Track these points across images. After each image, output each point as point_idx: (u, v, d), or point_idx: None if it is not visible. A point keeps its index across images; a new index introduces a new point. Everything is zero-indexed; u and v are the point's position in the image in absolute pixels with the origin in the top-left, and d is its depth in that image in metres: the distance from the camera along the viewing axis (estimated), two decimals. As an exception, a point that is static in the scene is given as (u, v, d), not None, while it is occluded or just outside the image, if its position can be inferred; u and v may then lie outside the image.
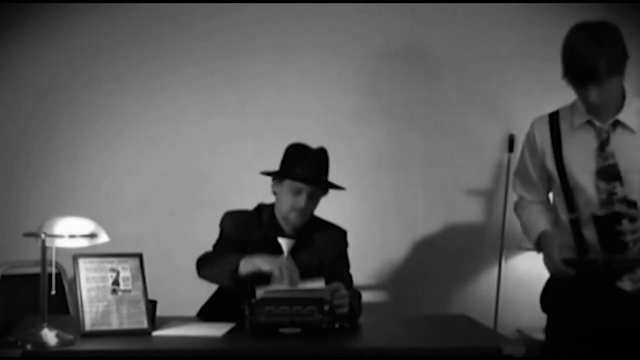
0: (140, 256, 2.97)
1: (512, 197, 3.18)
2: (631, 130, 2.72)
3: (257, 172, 3.18)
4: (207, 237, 3.25)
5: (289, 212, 3.10)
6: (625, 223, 2.61)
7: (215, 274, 3.04)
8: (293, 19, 4.17)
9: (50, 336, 2.71)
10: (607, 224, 2.64)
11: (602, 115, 2.74)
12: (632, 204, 2.67)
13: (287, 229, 3.13)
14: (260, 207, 3.22)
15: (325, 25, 4.18)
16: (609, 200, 2.67)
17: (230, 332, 2.90)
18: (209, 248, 3.24)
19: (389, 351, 2.73)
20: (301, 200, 3.07)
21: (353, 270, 3.27)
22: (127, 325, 2.87)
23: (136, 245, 3.07)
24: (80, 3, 4.07)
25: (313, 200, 3.11)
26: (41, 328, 2.72)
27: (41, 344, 2.69)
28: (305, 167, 3.08)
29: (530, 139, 2.90)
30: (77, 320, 2.86)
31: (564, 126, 2.81)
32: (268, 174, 3.14)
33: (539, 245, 2.88)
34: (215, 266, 3.03)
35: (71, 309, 3.84)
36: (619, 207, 2.65)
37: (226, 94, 4.18)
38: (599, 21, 2.73)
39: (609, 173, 2.71)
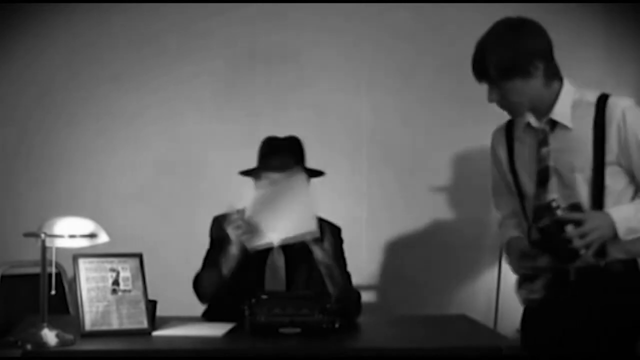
0: (140, 256, 2.97)
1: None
2: (567, 127, 2.55)
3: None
4: (207, 237, 3.25)
5: None
6: (569, 229, 2.40)
7: (207, 288, 3.10)
8: (291, 18, 4.16)
9: (50, 336, 2.71)
10: (552, 233, 2.43)
11: (538, 114, 2.60)
12: (575, 207, 2.47)
13: None
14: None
15: (325, 23, 4.18)
16: (548, 207, 2.47)
17: (230, 332, 2.90)
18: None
19: (388, 351, 2.73)
20: None
21: (353, 270, 3.27)
22: (127, 325, 2.87)
23: (136, 245, 3.07)
24: (79, 3, 4.07)
25: None
26: (41, 328, 2.72)
27: (41, 344, 2.68)
28: (274, 158, 3.10)
29: (492, 150, 2.80)
30: (77, 320, 2.86)
31: (516, 132, 2.69)
32: (244, 173, 3.16)
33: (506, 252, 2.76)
34: (205, 282, 3.10)
35: (71, 309, 3.84)
36: (561, 213, 2.43)
37: (226, 93, 4.18)
38: (513, 19, 2.57)
39: (541, 176, 2.58)
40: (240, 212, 3.03)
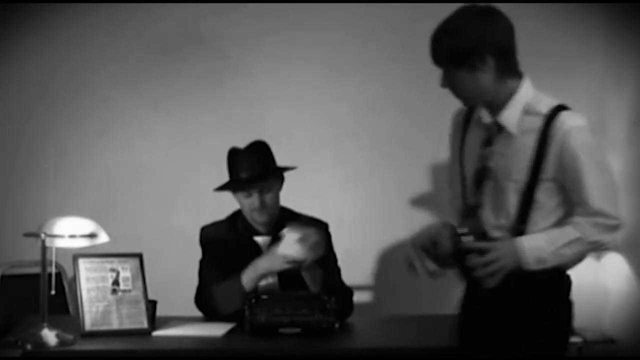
0: (140, 256, 2.97)
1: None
2: (510, 133, 2.45)
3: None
4: (207, 237, 3.25)
5: (251, 213, 3.13)
6: (470, 258, 2.38)
7: (225, 307, 3.04)
8: (289, 17, 4.16)
9: (50, 336, 2.71)
10: (458, 261, 2.44)
11: (492, 110, 2.48)
12: (482, 235, 2.44)
13: (259, 228, 3.15)
14: (234, 214, 3.24)
15: (324, 22, 4.18)
16: (455, 234, 2.44)
17: (230, 332, 2.90)
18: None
19: (388, 351, 2.73)
20: (255, 200, 3.09)
21: (351, 269, 3.27)
22: (127, 325, 2.87)
23: (136, 245, 3.07)
24: (80, 3, 4.07)
25: (267, 194, 3.12)
26: (41, 328, 2.72)
27: (41, 344, 2.69)
28: (241, 171, 3.11)
29: (451, 129, 2.70)
30: (77, 320, 2.86)
31: (472, 120, 2.58)
32: (220, 189, 3.18)
33: None
34: (219, 300, 3.05)
35: (71, 309, 3.84)
36: (465, 241, 2.41)
37: (228, 93, 4.18)
38: (477, 7, 2.46)
39: (478, 175, 2.51)
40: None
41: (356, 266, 3.35)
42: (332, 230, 3.27)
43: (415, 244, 2.56)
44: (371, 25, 4.16)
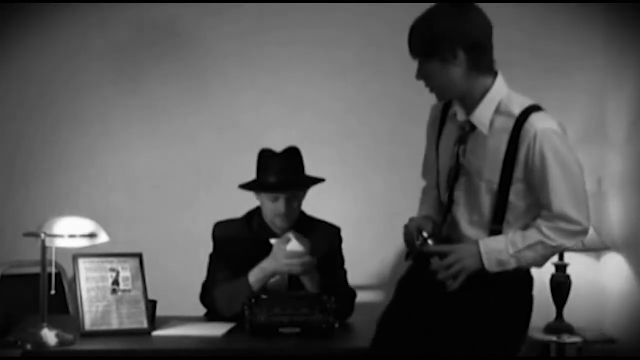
0: (140, 256, 2.97)
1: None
2: (483, 133, 2.46)
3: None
4: (208, 237, 3.25)
5: (273, 218, 3.12)
6: (434, 261, 2.43)
7: (232, 307, 3.04)
8: (289, 17, 4.16)
9: (50, 336, 2.71)
10: (422, 264, 2.48)
11: (465, 108, 2.49)
12: (443, 239, 2.50)
13: (277, 231, 3.14)
14: (250, 214, 3.23)
15: (325, 21, 4.18)
16: (417, 238, 2.49)
17: (230, 332, 2.90)
18: (209, 248, 3.24)
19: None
20: (280, 206, 3.08)
21: (352, 270, 3.27)
22: (127, 325, 2.87)
23: (136, 245, 3.07)
24: (81, 3, 4.07)
25: (294, 201, 3.12)
26: (41, 328, 2.72)
27: (41, 344, 2.69)
28: (273, 175, 3.09)
29: (428, 121, 2.70)
30: (77, 320, 2.86)
31: (449, 115, 2.59)
32: (245, 187, 3.15)
33: None
34: (226, 300, 3.06)
35: (71, 309, 3.84)
36: (426, 246, 2.47)
37: (227, 94, 4.18)
38: (457, 2, 2.47)
39: (452, 173, 2.53)
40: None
41: (356, 266, 3.34)
42: (332, 230, 3.28)
43: (410, 230, 2.58)
44: (371, 25, 4.16)
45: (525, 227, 2.46)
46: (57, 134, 4.12)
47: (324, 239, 3.20)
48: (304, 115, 4.17)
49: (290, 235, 3.05)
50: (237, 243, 3.18)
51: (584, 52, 4.16)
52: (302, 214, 3.22)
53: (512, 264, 2.42)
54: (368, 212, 4.19)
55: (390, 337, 2.58)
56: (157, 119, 4.16)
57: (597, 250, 3.96)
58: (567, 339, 3.82)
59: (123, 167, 4.14)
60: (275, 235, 3.13)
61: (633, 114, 3.91)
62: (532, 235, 2.42)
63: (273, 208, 3.10)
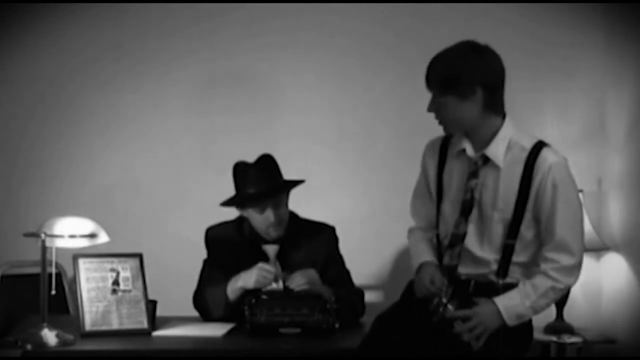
0: (140, 256, 2.98)
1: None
2: (497, 166, 2.59)
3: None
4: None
5: (266, 228, 3.09)
6: (457, 325, 2.54)
7: (213, 311, 3.06)
8: (286, 17, 4.16)
9: (50, 336, 2.71)
10: (443, 329, 2.56)
11: (474, 144, 2.63)
12: (463, 302, 2.58)
13: (269, 238, 3.11)
14: (242, 218, 3.20)
15: (325, 22, 4.18)
16: (438, 304, 2.58)
17: (230, 332, 2.91)
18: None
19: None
20: (269, 216, 3.06)
21: (352, 270, 3.27)
22: (127, 325, 2.87)
23: (136, 246, 3.07)
24: (80, 3, 4.07)
25: (280, 207, 3.09)
26: (41, 328, 2.72)
27: (41, 344, 2.69)
28: (251, 185, 3.06)
29: (422, 160, 2.82)
30: (77, 320, 2.86)
31: (450, 151, 2.72)
32: (226, 204, 3.12)
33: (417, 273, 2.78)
34: (209, 304, 3.07)
35: (71, 309, 3.84)
36: (448, 312, 2.56)
37: (227, 93, 4.18)
38: (476, 43, 2.59)
39: (465, 206, 2.64)
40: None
41: (356, 266, 3.34)
42: (332, 230, 3.28)
43: (425, 285, 2.66)
44: (374, 30, 4.16)
45: (528, 263, 2.61)
46: (57, 134, 4.12)
47: (320, 240, 3.19)
48: (305, 114, 4.17)
49: (271, 255, 3.05)
50: (228, 246, 3.17)
51: (584, 52, 4.16)
52: (294, 217, 3.21)
53: (530, 314, 2.60)
54: (371, 211, 4.19)
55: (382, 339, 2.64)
56: (158, 119, 4.16)
57: (596, 250, 3.96)
58: (567, 339, 3.82)
59: (123, 167, 4.15)
60: (265, 241, 3.11)
61: (633, 114, 3.91)
62: (541, 283, 2.57)
63: (262, 219, 3.08)
